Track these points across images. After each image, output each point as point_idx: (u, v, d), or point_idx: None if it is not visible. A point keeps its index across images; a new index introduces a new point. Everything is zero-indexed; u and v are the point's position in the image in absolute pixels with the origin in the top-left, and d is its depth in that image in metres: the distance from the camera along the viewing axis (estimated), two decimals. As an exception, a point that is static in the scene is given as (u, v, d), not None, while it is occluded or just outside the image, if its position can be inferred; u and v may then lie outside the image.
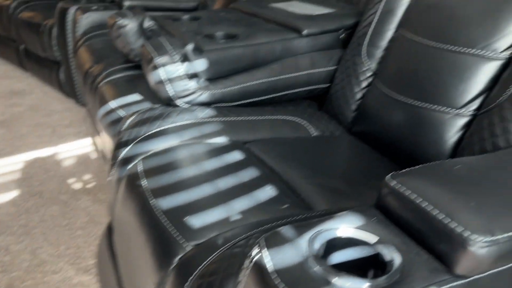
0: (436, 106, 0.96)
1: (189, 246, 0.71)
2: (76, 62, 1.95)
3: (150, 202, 0.82)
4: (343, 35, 1.30)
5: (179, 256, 0.70)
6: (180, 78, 1.09)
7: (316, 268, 0.53)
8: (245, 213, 0.78)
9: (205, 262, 0.67)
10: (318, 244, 0.57)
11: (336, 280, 0.51)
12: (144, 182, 0.88)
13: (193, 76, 1.12)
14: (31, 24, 2.58)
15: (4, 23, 2.91)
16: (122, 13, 1.42)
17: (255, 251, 0.58)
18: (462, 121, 0.93)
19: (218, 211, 0.78)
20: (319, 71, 1.27)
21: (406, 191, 0.59)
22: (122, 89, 1.39)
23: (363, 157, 1.06)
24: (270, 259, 0.56)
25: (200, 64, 1.12)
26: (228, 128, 1.07)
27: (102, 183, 1.81)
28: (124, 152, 0.99)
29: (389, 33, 1.15)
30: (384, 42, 1.15)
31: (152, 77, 1.10)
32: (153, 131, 1.01)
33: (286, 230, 0.59)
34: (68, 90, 2.53)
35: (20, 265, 1.37)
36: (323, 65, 1.27)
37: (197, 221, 0.76)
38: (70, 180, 1.83)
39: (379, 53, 1.15)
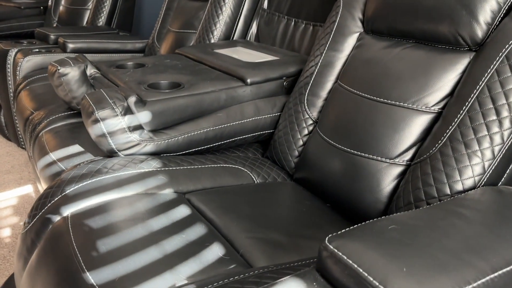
0: (371, 155, 0.99)
1: None
2: (16, 106, 1.88)
3: (76, 255, 0.79)
4: (286, 83, 1.34)
5: None
6: (122, 131, 1.08)
7: None
8: (178, 273, 0.76)
9: None
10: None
11: None
12: (72, 242, 0.84)
13: (136, 128, 1.11)
14: (-33, 66, 2.47)
15: None
16: (63, 61, 1.39)
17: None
18: (397, 170, 0.97)
19: (148, 270, 0.76)
20: (264, 118, 1.29)
21: (343, 255, 0.60)
22: (63, 139, 1.35)
23: (304, 205, 1.07)
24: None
25: (143, 116, 1.11)
26: (168, 179, 1.05)
27: (44, 234, 1.72)
28: (51, 202, 0.94)
29: (329, 84, 1.19)
30: (324, 92, 1.19)
31: (93, 131, 1.07)
32: (86, 183, 0.98)
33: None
34: (9, 133, 2.42)
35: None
36: (267, 111, 1.30)
37: (125, 282, 0.73)
38: (10, 232, 1.73)
39: (319, 102, 1.19)
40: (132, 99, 1.10)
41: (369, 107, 1.02)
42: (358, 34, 1.20)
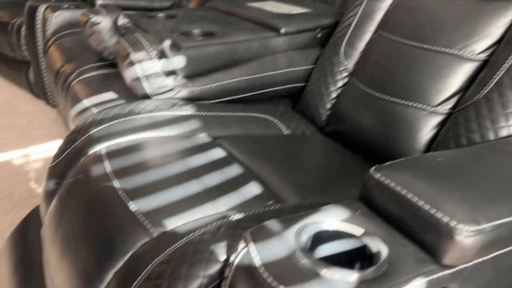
0: (412, 103, 0.97)
1: (156, 232, 0.70)
2: (46, 61, 1.89)
3: (113, 184, 0.80)
4: (320, 34, 1.31)
5: (144, 240, 0.69)
6: (157, 75, 1.07)
7: (304, 261, 0.52)
8: (215, 203, 0.76)
9: (172, 247, 0.65)
10: (305, 237, 0.56)
11: (325, 272, 0.50)
12: (108, 166, 0.85)
13: (170, 73, 1.10)
14: (-2, 23, 2.50)
15: (-31, 22, 2.80)
16: (95, 10, 1.39)
17: (240, 245, 0.57)
18: (437, 119, 0.95)
19: (186, 199, 0.77)
20: (297, 70, 1.27)
21: (391, 183, 0.59)
22: (95, 87, 1.35)
23: (335, 155, 1.06)
24: (257, 253, 0.55)
25: (177, 61, 1.10)
26: (200, 123, 1.05)
27: (74, 186, 1.76)
28: (84, 137, 0.95)
29: (368, 35, 1.16)
30: (362, 44, 1.17)
31: (128, 74, 1.07)
32: (121, 120, 0.98)
33: (272, 224, 0.59)
34: (38, 91, 2.45)
35: (-12, 272, 1.31)
36: (300, 64, 1.28)
37: (164, 209, 0.74)
38: (41, 183, 1.77)
39: (356, 54, 1.17)
40: (167, 43, 1.09)
41: (412, 55, 0.99)
42: (400, -17, 1.16)
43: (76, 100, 1.34)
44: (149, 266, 0.65)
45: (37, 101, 2.54)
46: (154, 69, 1.06)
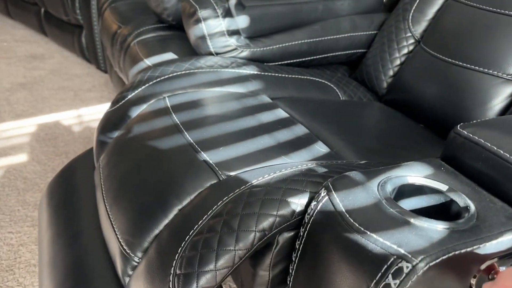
0: (487, 69, 0.93)
1: (223, 176, 0.70)
2: (101, 25, 1.92)
3: (179, 128, 0.81)
4: (386, -2, 1.27)
5: (213, 182, 0.70)
6: (221, 33, 1.07)
7: (391, 210, 0.52)
8: (279, 154, 0.76)
9: (242, 187, 0.65)
10: (389, 189, 0.56)
11: (415, 221, 0.50)
12: (172, 112, 0.87)
13: (234, 32, 1.10)
14: (53, -13, 2.55)
15: (25, -14, 2.88)
16: (156, -30, 1.39)
17: (322, 193, 0.57)
18: (511, 88, 0.91)
19: (249, 147, 0.77)
20: (360, 35, 1.24)
21: (480, 139, 0.57)
22: (155, 48, 1.37)
23: (396, 121, 1.04)
24: (340, 201, 0.55)
25: (241, 20, 1.10)
26: (257, 82, 1.04)
27: (126, 147, 1.81)
28: (145, 86, 0.97)
29: (440, 1, 1.12)
30: (432, 10, 1.12)
31: (193, 32, 1.07)
32: (181, 72, 0.99)
33: (354, 175, 0.58)
34: (90, 55, 2.51)
35: (49, 221, 1.38)
36: (364, 28, 1.24)
37: (233, 155, 0.75)
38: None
39: (425, 20, 1.13)
40: (233, 1, 1.08)
41: (490, 20, 0.95)
42: None
43: (135, 60, 1.36)
44: (218, 203, 0.65)
45: (88, 65, 2.60)
46: (219, 27, 1.06)
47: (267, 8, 1.13)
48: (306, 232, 0.57)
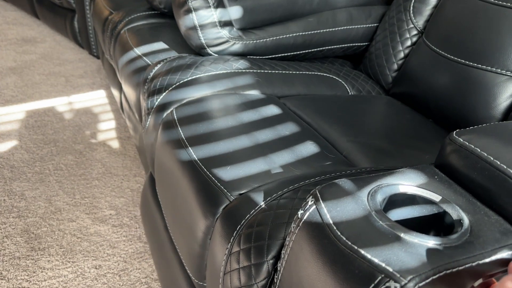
0: (490, 67, 0.90)
1: (232, 196, 0.67)
2: (93, 10, 1.87)
3: (187, 151, 0.78)
4: (384, -10, 1.23)
5: (224, 206, 0.67)
6: (213, 24, 1.03)
7: (381, 223, 0.49)
8: (287, 166, 0.74)
9: (252, 211, 0.63)
10: (379, 198, 0.53)
11: (405, 236, 0.47)
12: (179, 131, 0.84)
13: (226, 24, 1.06)
14: (45, -32, 2.48)
15: (17, -33, 2.80)
16: (148, -45, 1.34)
17: (309, 201, 0.54)
18: (517, 86, 0.88)
19: (258, 163, 0.74)
20: (356, 28, 1.20)
21: (476, 148, 0.55)
22: (145, 36, 1.32)
23: (404, 117, 1.01)
24: (327, 211, 0.52)
25: (234, 11, 1.06)
26: (262, 81, 1.02)
27: (117, 135, 1.78)
28: (159, 99, 0.94)
29: (441, -12, 1.08)
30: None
31: (184, 22, 1.03)
32: (187, 79, 0.96)
33: (344, 183, 0.55)
34: (82, 40, 2.45)
35: (35, 212, 1.35)
36: (361, 21, 1.21)
37: (237, 171, 0.72)
38: (85, 131, 1.79)
39: (427, 10, 1.09)
40: (225, -9, 1.04)
41: (493, 14, 0.91)
42: None
43: (125, 48, 1.32)
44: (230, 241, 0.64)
45: (80, 50, 2.55)
46: (211, 18, 1.02)
47: (260, -2, 1.09)
48: (292, 242, 0.54)
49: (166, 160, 0.84)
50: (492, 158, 0.53)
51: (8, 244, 1.23)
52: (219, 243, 0.65)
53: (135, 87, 1.17)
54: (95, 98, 2.05)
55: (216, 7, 1.03)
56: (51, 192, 1.44)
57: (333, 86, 1.09)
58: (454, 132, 0.59)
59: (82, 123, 1.84)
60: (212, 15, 1.02)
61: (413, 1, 1.10)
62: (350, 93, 1.09)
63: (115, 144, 1.72)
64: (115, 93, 1.79)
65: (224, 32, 1.05)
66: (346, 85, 1.11)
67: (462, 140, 0.56)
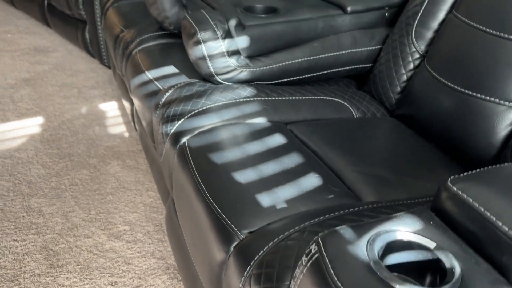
0: (489, 97, 0.93)
1: (242, 234, 0.72)
2: (104, 25, 1.92)
3: (199, 186, 0.83)
4: (387, 14, 1.26)
5: (235, 244, 0.71)
6: (221, 55, 1.07)
7: (378, 274, 0.53)
8: (293, 201, 0.78)
9: (261, 252, 0.68)
10: (378, 246, 0.57)
11: (401, 287, 0.51)
12: (192, 166, 0.88)
13: (233, 53, 1.10)
14: (56, -20, 2.53)
15: (28, -23, 2.86)
16: (158, -21, 1.38)
17: (312, 249, 0.59)
18: (514, 115, 0.91)
19: (265, 198, 0.79)
20: (360, 51, 1.24)
21: (468, 198, 0.58)
22: (156, 58, 1.37)
23: (407, 142, 1.04)
24: (329, 260, 0.56)
25: (241, 41, 1.10)
26: (270, 108, 1.06)
27: (130, 149, 1.83)
28: (172, 130, 0.99)
29: (441, 14, 1.10)
30: (435, 23, 1.11)
31: (194, 52, 1.08)
32: (198, 110, 1.01)
33: (345, 231, 0.59)
34: (94, 50, 2.51)
35: (53, 228, 1.41)
36: (365, 44, 1.24)
37: (247, 208, 0.76)
38: (98, 144, 1.85)
39: (429, 34, 1.11)
40: (233, 22, 1.08)
41: (491, 44, 0.94)
42: (479, -39, 1.08)
43: (137, 70, 1.37)
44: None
45: (91, 59, 2.60)
46: (219, 49, 1.06)
47: (266, 27, 1.13)
48: (297, 287, 0.59)
49: (182, 190, 0.89)
50: (483, 209, 0.56)
51: (28, 261, 1.29)
52: (232, 280, 0.70)
53: (147, 110, 1.22)
54: (107, 110, 2.11)
55: (224, 38, 1.07)
56: (67, 208, 1.50)
57: (339, 110, 1.13)
58: (449, 179, 0.62)
59: (96, 136, 1.90)
60: (220, 46, 1.06)
61: (415, 25, 1.13)
62: (355, 116, 1.12)
63: (127, 157, 1.77)
64: (126, 105, 1.84)
65: (232, 61, 1.09)
66: (351, 108, 1.14)
67: (455, 189, 0.60)
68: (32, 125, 1.97)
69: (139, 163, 1.75)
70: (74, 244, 1.36)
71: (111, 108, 2.13)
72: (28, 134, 1.90)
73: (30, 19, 3.20)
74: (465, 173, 0.64)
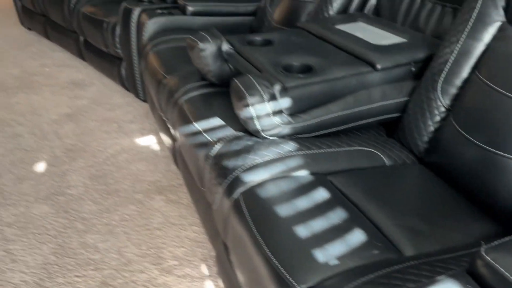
0: (510, 155, 1.04)
1: None
2: (146, 67, 2.07)
3: (258, 238, 0.96)
4: (414, 68, 1.38)
5: None
6: (267, 115, 1.20)
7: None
8: (343, 258, 0.90)
9: None
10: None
11: None
12: (249, 219, 1.01)
13: (277, 112, 1.23)
14: (93, 20, 2.71)
15: (65, 15, 3.04)
16: (202, 36, 1.52)
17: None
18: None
19: (319, 254, 0.91)
20: (390, 103, 1.36)
21: (500, 268, 0.69)
22: (201, 109, 1.51)
23: (437, 192, 1.15)
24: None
25: (284, 102, 1.23)
26: (311, 161, 1.19)
27: (170, 183, 1.97)
28: (226, 185, 1.13)
29: (465, 73, 1.21)
30: (459, 81, 1.22)
31: (243, 114, 1.21)
32: (248, 166, 1.14)
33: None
34: (129, 85, 2.67)
35: (109, 264, 1.55)
36: (394, 96, 1.36)
37: (303, 263, 0.89)
38: (142, 179, 1.99)
39: (453, 90, 1.23)
40: (277, 87, 1.21)
41: (509, 106, 1.04)
42: (499, 23, 1.19)
43: (185, 119, 1.51)
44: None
45: (126, 93, 2.76)
46: (265, 110, 1.19)
47: (305, 88, 1.26)
48: None
49: (240, 241, 1.02)
50: (513, 279, 0.67)
51: (92, 297, 1.43)
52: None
53: (197, 158, 1.36)
54: (146, 145, 2.25)
55: (269, 100, 1.20)
56: (120, 244, 1.64)
57: (371, 159, 1.25)
58: (483, 248, 0.73)
59: (138, 171, 2.05)
60: (266, 107, 1.19)
61: (440, 82, 1.24)
62: (386, 164, 1.24)
63: (169, 192, 1.91)
64: (166, 139, 1.99)
65: (276, 119, 1.22)
66: (382, 157, 1.26)
67: (489, 259, 0.71)
68: (79, 161, 2.12)
69: (180, 197, 1.89)
70: (130, 279, 1.49)
71: (150, 143, 2.28)
72: (76, 169, 2.05)
73: (64, 52, 3.39)
74: (498, 242, 0.75)
